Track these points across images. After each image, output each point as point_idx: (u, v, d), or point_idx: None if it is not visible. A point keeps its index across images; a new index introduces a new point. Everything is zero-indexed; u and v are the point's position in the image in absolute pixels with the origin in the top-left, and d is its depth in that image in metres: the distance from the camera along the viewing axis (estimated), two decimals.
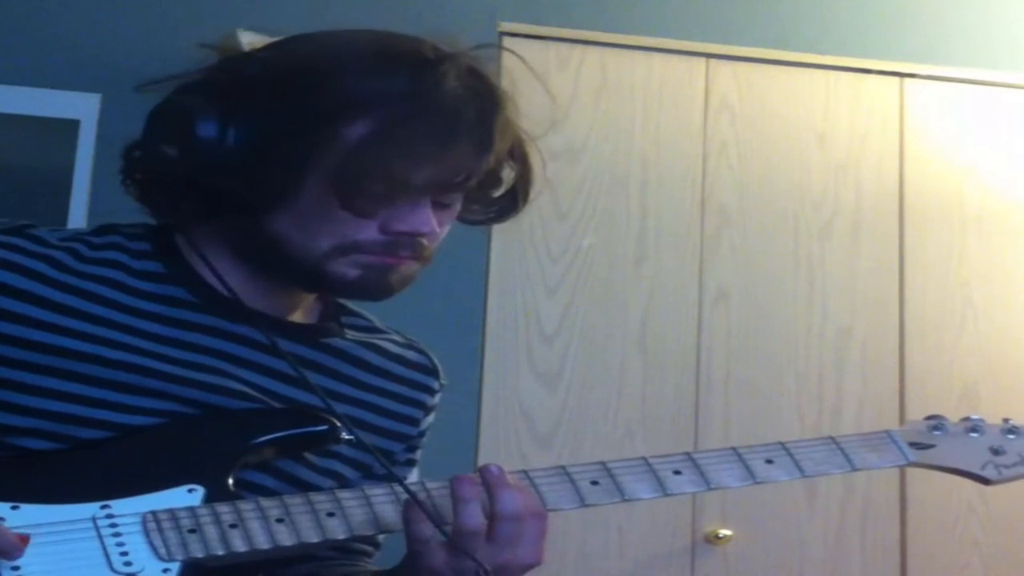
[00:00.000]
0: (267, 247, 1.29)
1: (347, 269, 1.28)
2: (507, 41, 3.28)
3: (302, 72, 1.26)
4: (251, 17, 3.08)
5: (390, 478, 1.29)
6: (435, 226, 1.28)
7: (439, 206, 1.30)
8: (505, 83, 1.33)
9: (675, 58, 3.41)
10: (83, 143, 3.09)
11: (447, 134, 1.24)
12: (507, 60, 1.47)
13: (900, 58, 3.48)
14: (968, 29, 3.53)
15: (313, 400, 1.31)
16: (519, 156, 1.36)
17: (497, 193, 1.39)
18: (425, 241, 1.29)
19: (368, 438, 1.35)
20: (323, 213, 1.25)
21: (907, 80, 3.49)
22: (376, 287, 1.30)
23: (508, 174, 1.37)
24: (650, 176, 3.36)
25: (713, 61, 3.43)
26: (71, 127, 3.10)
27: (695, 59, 3.42)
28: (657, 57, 3.41)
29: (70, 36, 3.14)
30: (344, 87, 1.24)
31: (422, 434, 1.46)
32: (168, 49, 3.08)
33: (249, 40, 2.93)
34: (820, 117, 3.45)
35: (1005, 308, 3.42)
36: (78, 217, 3.02)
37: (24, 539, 1.13)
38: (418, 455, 1.47)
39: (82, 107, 3.10)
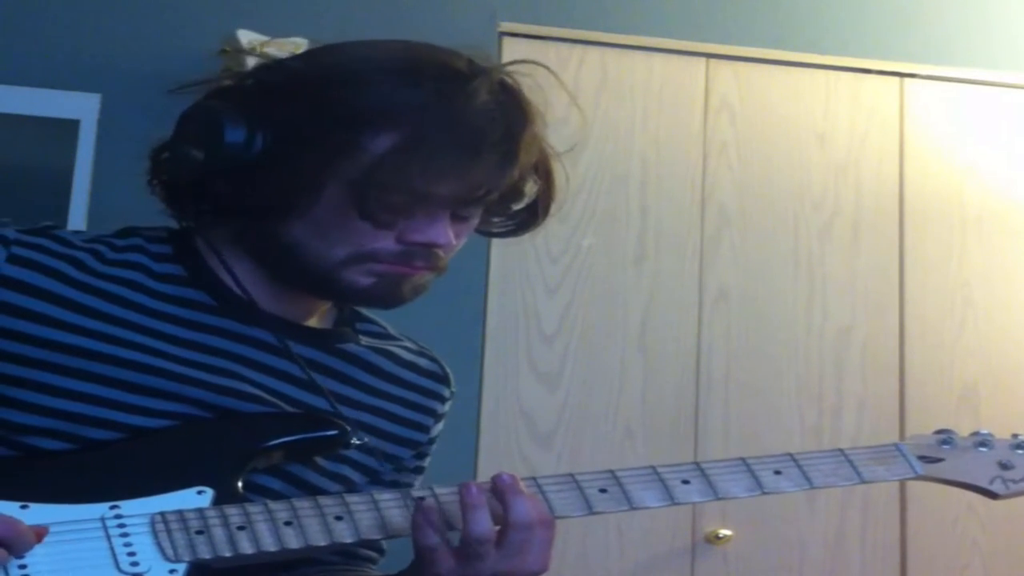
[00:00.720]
0: (284, 253, 1.29)
1: (360, 277, 1.29)
2: (507, 41, 3.28)
3: (329, 82, 1.27)
4: (251, 17, 3.08)
5: (397, 484, 1.30)
6: (451, 238, 1.29)
7: (458, 218, 1.30)
8: (536, 96, 1.33)
9: (675, 58, 3.41)
10: (83, 143, 3.08)
11: (471, 149, 1.25)
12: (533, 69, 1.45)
13: (900, 58, 3.48)
14: (968, 29, 3.53)
15: (323, 404, 1.32)
16: (543, 171, 1.37)
17: (518, 207, 1.39)
18: (441, 252, 1.30)
19: (378, 444, 1.36)
20: (341, 222, 1.26)
21: (907, 80, 3.49)
22: (389, 296, 1.32)
23: (531, 188, 1.38)
24: (650, 176, 3.36)
25: (713, 61, 3.43)
26: (71, 127, 3.09)
27: (695, 59, 3.42)
28: (657, 57, 3.41)
29: (70, 36, 3.14)
30: (371, 99, 1.25)
31: (431, 441, 1.47)
32: (168, 49, 3.09)
33: (249, 40, 2.94)
34: (820, 117, 3.45)
35: (1005, 308, 3.42)
36: (78, 217, 3.02)
37: (40, 532, 1.14)
38: (426, 462, 1.48)
39: (82, 107, 3.10)
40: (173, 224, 1.37)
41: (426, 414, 1.45)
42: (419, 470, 1.46)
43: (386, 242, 1.27)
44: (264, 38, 2.94)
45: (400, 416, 1.42)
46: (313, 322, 1.39)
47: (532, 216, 1.41)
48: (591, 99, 3.35)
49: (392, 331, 1.48)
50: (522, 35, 3.31)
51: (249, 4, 3.19)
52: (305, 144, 1.25)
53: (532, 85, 1.34)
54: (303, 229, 1.27)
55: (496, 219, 1.40)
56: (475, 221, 1.35)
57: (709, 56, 3.42)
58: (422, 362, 1.47)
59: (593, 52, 3.38)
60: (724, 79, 3.43)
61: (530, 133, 1.30)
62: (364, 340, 1.42)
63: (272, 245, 1.30)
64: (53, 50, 3.13)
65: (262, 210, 1.28)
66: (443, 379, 1.48)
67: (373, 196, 1.24)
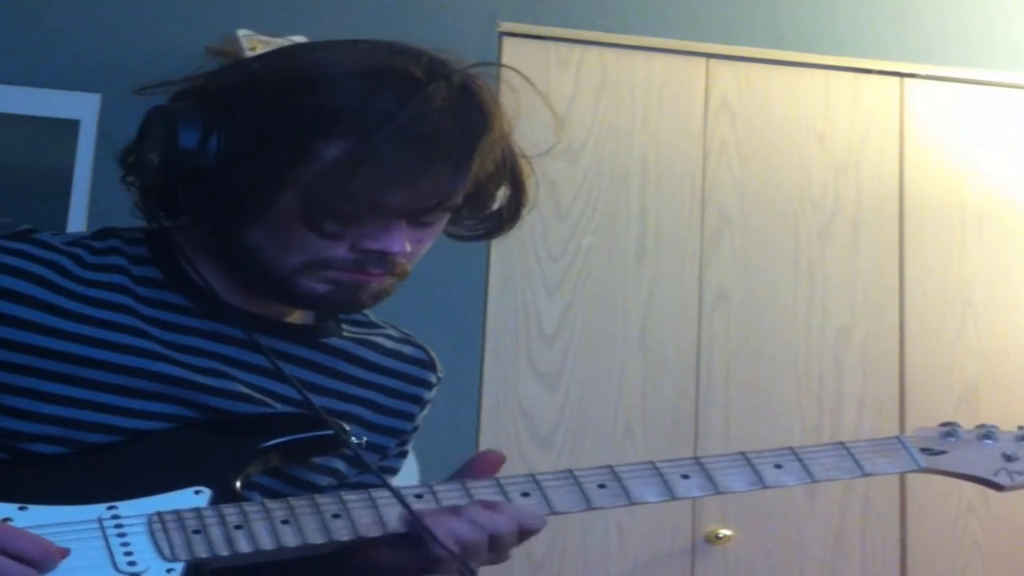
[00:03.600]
0: (244, 258, 1.29)
1: (317, 284, 1.28)
2: (507, 41, 3.28)
3: (286, 86, 1.26)
4: (251, 17, 3.08)
5: (383, 471, 1.30)
6: (406, 246, 1.27)
7: (418, 224, 1.29)
8: (509, 97, 1.31)
9: (675, 58, 3.41)
10: (83, 143, 3.09)
11: (421, 159, 1.23)
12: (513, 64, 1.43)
13: (900, 58, 3.48)
14: (968, 29, 3.53)
15: (296, 394, 1.31)
16: (511, 175, 1.35)
17: (491, 210, 1.38)
18: (399, 258, 1.28)
19: (365, 435, 1.36)
20: (295, 229, 1.25)
21: (907, 80, 3.49)
22: (347, 303, 1.32)
23: (503, 192, 1.36)
24: (650, 176, 3.36)
25: (713, 61, 3.43)
26: (71, 127, 3.10)
27: (695, 59, 3.42)
28: (657, 57, 3.41)
29: (70, 36, 3.14)
30: (323, 104, 1.23)
31: (416, 428, 1.47)
32: (168, 49, 3.10)
33: (249, 40, 2.94)
34: (820, 117, 3.45)
35: (1005, 308, 3.42)
36: (78, 217, 3.02)
37: (64, 553, 1.14)
38: (409, 446, 1.48)
39: (82, 107, 3.10)
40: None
41: (411, 402, 1.45)
42: (402, 454, 1.47)
43: (340, 250, 1.26)
44: (264, 38, 2.94)
45: (385, 406, 1.42)
46: (294, 318, 1.38)
47: (500, 221, 1.39)
48: (591, 99, 3.36)
49: (374, 319, 1.47)
50: (522, 35, 3.31)
51: (249, 4, 3.19)
52: (260, 149, 1.24)
53: (506, 88, 1.32)
54: (261, 235, 1.27)
55: (469, 222, 1.38)
56: (440, 225, 1.33)
57: (709, 56, 3.42)
58: (406, 349, 1.46)
59: (593, 52, 3.38)
60: (724, 79, 3.43)
61: (490, 138, 1.27)
62: (347, 331, 1.42)
63: (234, 250, 1.29)
64: (53, 50, 3.13)
65: (221, 214, 1.27)
66: (429, 365, 1.48)
67: (319, 206, 1.22)
